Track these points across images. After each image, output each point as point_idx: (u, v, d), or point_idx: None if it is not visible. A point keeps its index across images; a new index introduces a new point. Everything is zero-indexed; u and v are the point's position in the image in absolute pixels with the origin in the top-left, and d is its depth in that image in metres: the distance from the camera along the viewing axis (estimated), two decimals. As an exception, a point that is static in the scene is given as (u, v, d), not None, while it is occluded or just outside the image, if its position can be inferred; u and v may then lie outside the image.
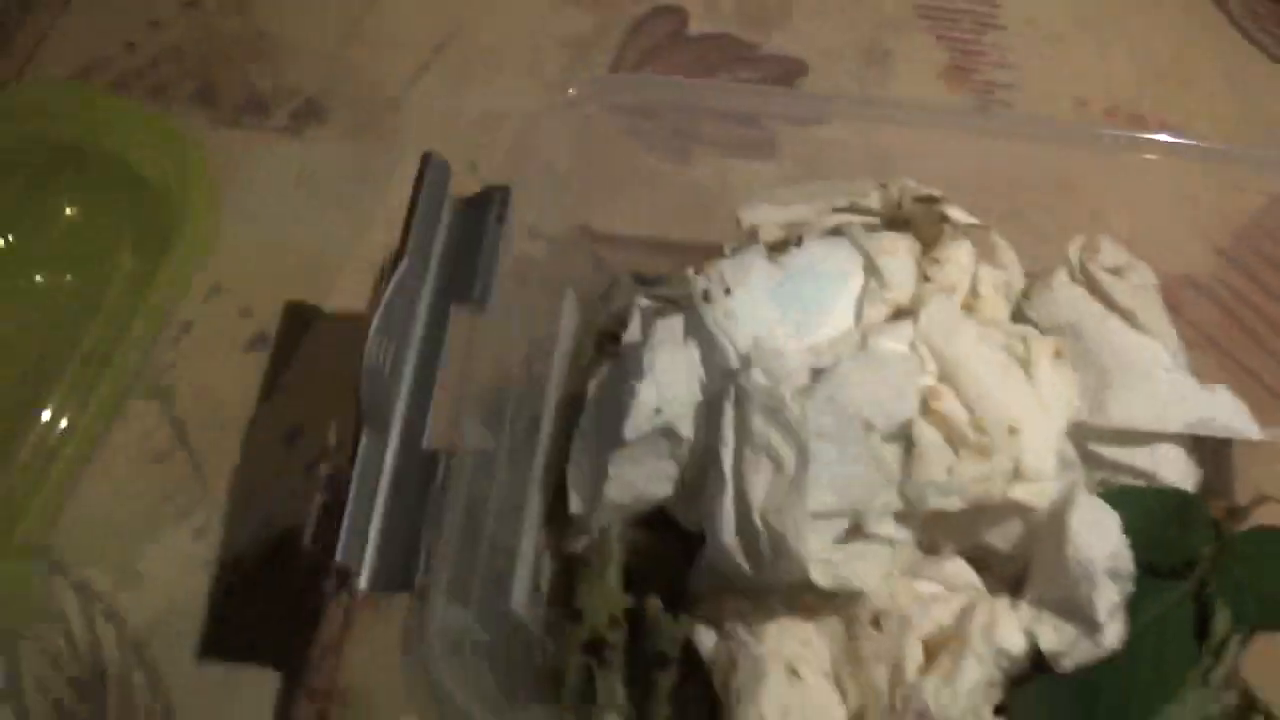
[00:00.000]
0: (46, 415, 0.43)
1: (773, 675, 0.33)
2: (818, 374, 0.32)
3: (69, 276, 0.45)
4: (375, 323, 0.32)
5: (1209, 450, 0.38)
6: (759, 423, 0.31)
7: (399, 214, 0.34)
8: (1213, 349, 0.42)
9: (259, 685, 0.41)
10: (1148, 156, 0.39)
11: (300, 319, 0.47)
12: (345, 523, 0.29)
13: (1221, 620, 0.34)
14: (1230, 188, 0.41)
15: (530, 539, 0.35)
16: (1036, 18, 0.55)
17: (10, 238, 0.46)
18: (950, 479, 0.31)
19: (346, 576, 0.30)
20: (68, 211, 0.46)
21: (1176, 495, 0.35)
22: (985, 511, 0.33)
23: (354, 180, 0.50)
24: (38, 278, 0.45)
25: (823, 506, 0.31)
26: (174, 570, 0.42)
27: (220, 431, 0.45)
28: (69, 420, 0.43)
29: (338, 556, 0.29)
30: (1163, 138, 0.39)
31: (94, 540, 0.43)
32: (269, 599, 0.42)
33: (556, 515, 0.37)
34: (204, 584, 0.42)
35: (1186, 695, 0.33)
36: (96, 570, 0.43)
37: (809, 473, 0.30)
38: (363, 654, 0.41)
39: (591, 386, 0.36)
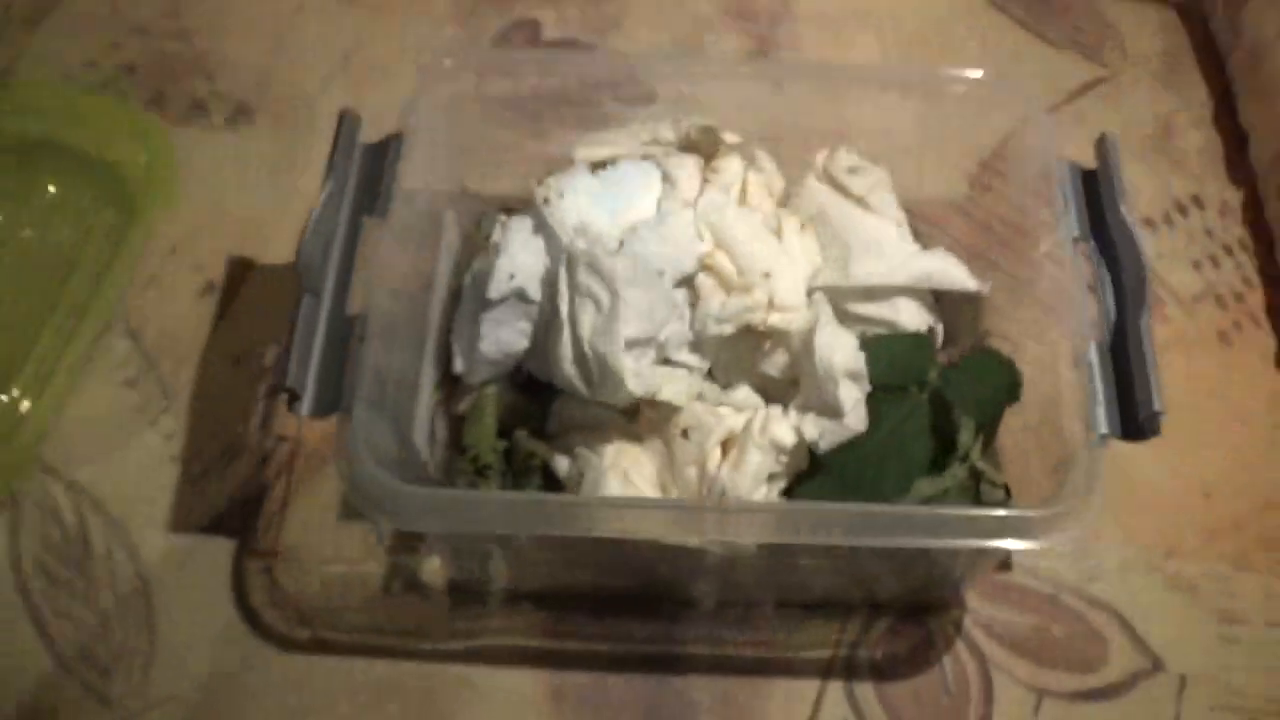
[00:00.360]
0: (39, 350, 0.57)
1: (611, 482, 0.49)
2: (626, 242, 0.48)
3: (54, 239, 0.60)
4: (310, 225, 0.47)
5: (947, 306, 0.54)
6: (583, 275, 0.47)
7: (316, 185, 0.50)
8: (970, 255, 0.58)
9: (217, 552, 0.55)
10: (905, 98, 0.56)
11: (240, 270, 0.62)
12: (292, 358, 0.44)
13: (951, 419, 0.50)
14: (975, 124, 0.58)
15: (426, 394, 0.51)
16: (824, 11, 0.73)
17: (3, 214, 0.61)
18: (723, 309, 0.47)
19: (295, 399, 0.45)
20: (50, 189, 0.62)
21: (911, 335, 0.52)
22: (757, 344, 0.49)
23: (279, 163, 0.66)
24: (27, 236, 0.60)
25: (633, 334, 0.46)
26: (147, 466, 0.57)
27: (180, 360, 0.60)
28: (57, 354, 0.57)
29: (287, 382, 0.44)
30: (917, 78, 0.57)
31: (80, 447, 0.57)
32: (224, 482, 0.57)
33: (446, 382, 0.53)
34: (171, 475, 0.57)
35: (925, 475, 0.50)
36: (83, 471, 0.57)
37: (620, 309, 0.46)
38: (298, 521, 0.56)
39: (467, 278, 0.52)
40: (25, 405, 0.56)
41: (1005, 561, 0.56)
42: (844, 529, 0.44)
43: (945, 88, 0.56)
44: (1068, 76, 0.73)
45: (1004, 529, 0.44)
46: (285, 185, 0.66)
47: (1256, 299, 0.65)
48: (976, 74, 0.56)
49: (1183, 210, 0.68)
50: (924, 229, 0.57)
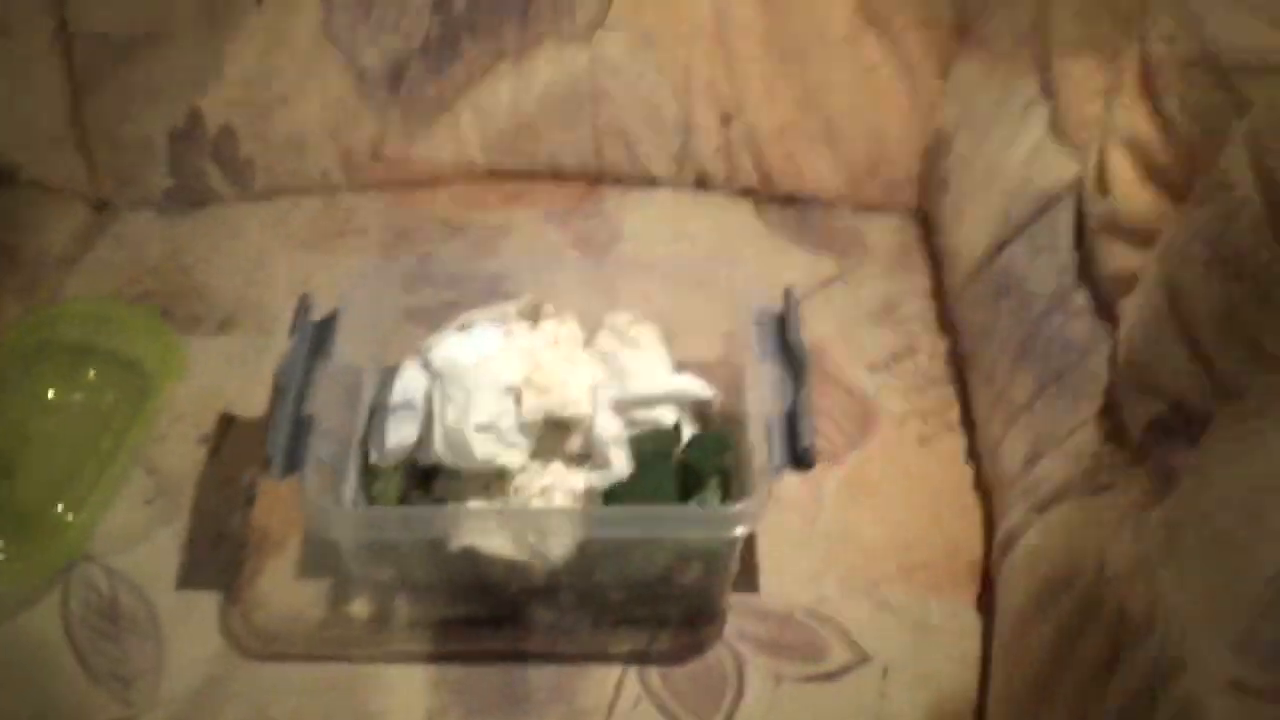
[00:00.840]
0: (81, 480, 0.92)
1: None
2: (476, 365, 0.84)
3: (95, 405, 0.97)
4: (281, 363, 0.84)
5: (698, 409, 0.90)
6: (448, 384, 0.83)
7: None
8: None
9: (210, 603, 0.89)
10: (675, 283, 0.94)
11: (225, 427, 0.98)
12: (271, 440, 0.79)
13: (698, 474, 0.85)
14: (728, 298, 0.95)
15: (353, 476, 0.86)
16: (645, 235, 1.12)
17: (53, 390, 0.98)
18: (535, 404, 0.83)
19: (271, 462, 0.79)
20: (91, 373, 0.99)
21: (665, 430, 0.87)
22: (561, 433, 0.85)
23: (254, 357, 1.03)
24: (76, 400, 0.97)
25: (480, 420, 0.82)
26: (160, 552, 0.90)
27: (184, 485, 0.94)
28: (94, 482, 0.92)
29: (268, 451, 0.79)
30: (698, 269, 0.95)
31: (113, 542, 0.91)
32: (216, 560, 0.90)
33: (365, 472, 0.88)
34: (178, 557, 0.90)
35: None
36: (115, 558, 0.90)
37: (471, 404, 0.82)
38: (267, 578, 0.90)
39: (378, 400, 0.88)
40: (69, 517, 0.91)
41: (753, 584, 0.90)
42: (593, 524, 0.79)
43: (701, 275, 0.94)
44: (821, 271, 1.11)
45: (713, 519, 0.79)
46: (257, 372, 1.02)
47: (953, 414, 1.00)
48: (721, 265, 0.94)
49: (899, 357, 1.04)
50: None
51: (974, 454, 0.97)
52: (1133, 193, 0.81)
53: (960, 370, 1.02)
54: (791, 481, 0.90)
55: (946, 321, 1.06)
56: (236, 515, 0.93)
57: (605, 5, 1.12)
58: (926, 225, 1.14)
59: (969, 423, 0.99)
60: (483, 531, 0.80)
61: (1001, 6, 1.04)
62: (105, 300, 1.07)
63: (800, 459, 0.80)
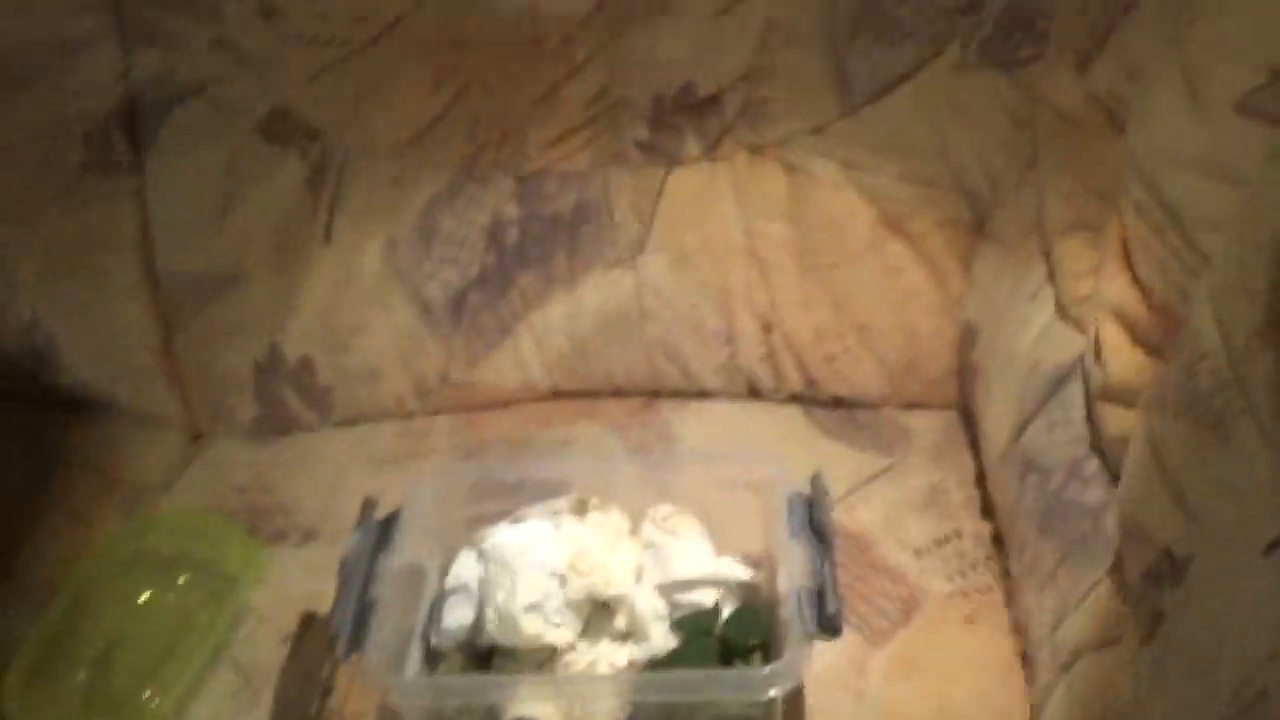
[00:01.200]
0: (168, 671, 1.04)
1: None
2: (523, 551, 0.97)
3: (184, 604, 1.11)
4: (345, 553, 0.97)
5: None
6: (495, 569, 0.95)
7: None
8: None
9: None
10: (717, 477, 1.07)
11: (304, 627, 1.11)
12: (335, 619, 0.92)
13: (737, 647, 0.96)
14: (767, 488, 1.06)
15: (415, 659, 0.98)
16: (697, 439, 1.25)
17: (146, 594, 1.12)
18: (579, 584, 0.95)
19: (336, 640, 0.91)
20: (182, 579, 1.13)
21: (705, 609, 0.98)
22: (607, 613, 0.96)
23: (331, 564, 1.16)
24: (170, 600, 1.11)
25: (528, 601, 0.94)
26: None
27: (266, 679, 1.07)
28: (181, 673, 1.04)
29: (331, 630, 0.91)
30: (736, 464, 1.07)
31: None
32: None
33: (427, 659, 1.00)
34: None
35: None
36: (204, 750, 1.03)
37: (518, 587, 0.94)
38: None
39: (436, 590, 1.01)
40: (154, 703, 1.03)
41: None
42: (636, 689, 0.89)
43: (742, 469, 1.07)
44: (869, 467, 1.22)
45: (748, 682, 0.89)
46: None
47: (997, 592, 1.09)
48: (763, 459, 1.07)
49: (944, 541, 1.14)
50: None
51: (1018, 629, 1.06)
52: (1121, 358, 0.92)
53: (1003, 550, 1.12)
54: (839, 661, 1.02)
55: (988, 505, 1.16)
56: (314, 703, 1.05)
57: (645, 231, 1.29)
58: (969, 419, 1.26)
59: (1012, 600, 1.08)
60: (534, 702, 0.91)
61: (1009, 201, 1.18)
62: (195, 514, 1.23)
63: (827, 625, 0.90)
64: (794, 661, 0.89)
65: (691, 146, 1.26)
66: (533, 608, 0.95)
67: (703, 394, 1.33)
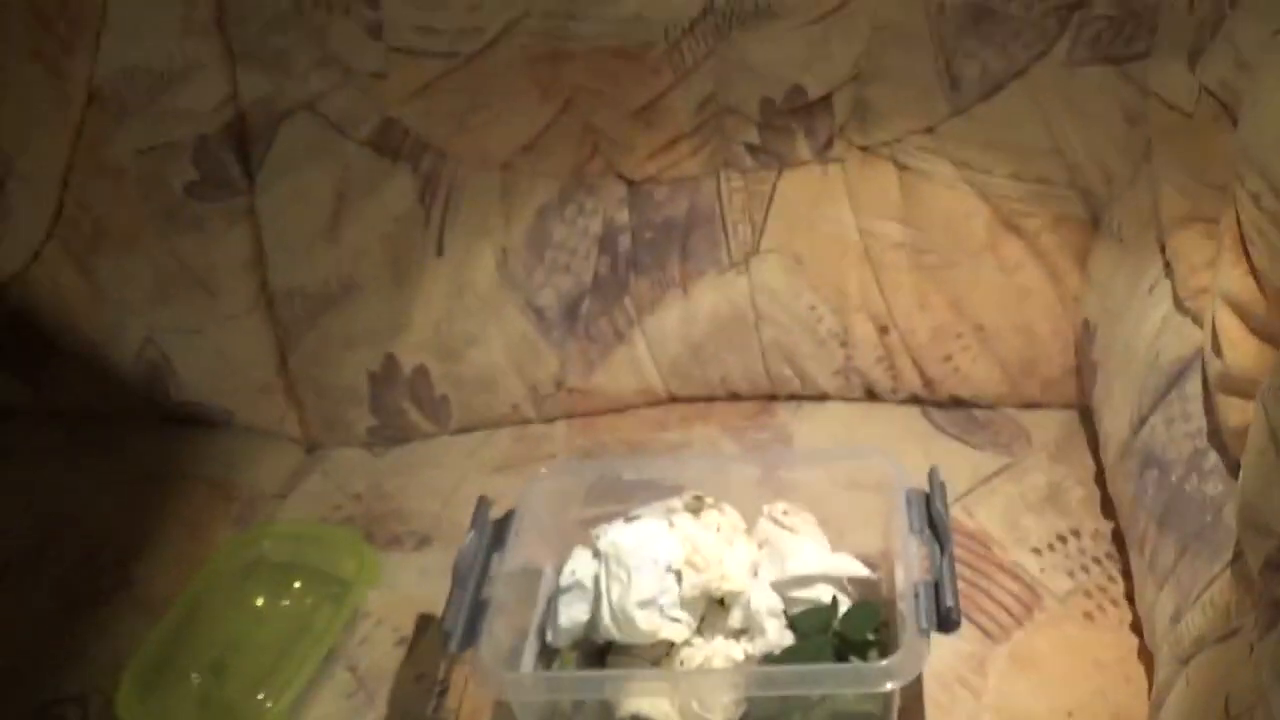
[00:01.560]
0: (283, 674, 1.10)
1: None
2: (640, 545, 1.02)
3: (299, 609, 1.17)
4: (459, 552, 1.03)
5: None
6: (612, 565, 1.00)
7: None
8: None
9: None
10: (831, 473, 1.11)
11: (421, 629, 1.17)
12: (449, 617, 0.98)
13: (853, 643, 1.00)
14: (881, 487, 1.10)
15: (530, 656, 1.04)
16: (813, 440, 1.30)
17: (262, 600, 1.19)
18: (693, 580, 1.00)
19: (449, 638, 0.97)
20: (296, 584, 1.20)
21: (822, 605, 1.02)
22: (722, 610, 1.01)
23: (446, 568, 1.22)
24: (285, 605, 1.18)
25: (643, 597, 0.99)
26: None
27: (381, 682, 1.13)
28: (294, 676, 1.09)
29: (444, 627, 0.97)
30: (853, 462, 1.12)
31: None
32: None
33: (543, 654, 1.05)
34: (377, 751, 1.09)
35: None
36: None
37: (633, 582, 0.99)
38: None
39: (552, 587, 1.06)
40: (269, 705, 1.09)
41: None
42: (751, 682, 0.94)
43: (861, 468, 1.11)
44: (988, 466, 1.26)
45: (864, 674, 0.93)
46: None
47: (1117, 589, 1.12)
48: (877, 457, 1.11)
49: (1063, 539, 1.17)
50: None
51: (1138, 626, 1.09)
52: (1239, 348, 0.94)
53: (1123, 547, 1.15)
54: (958, 658, 1.06)
55: (1108, 503, 1.19)
56: (430, 703, 1.11)
57: (758, 234, 1.34)
58: (1087, 418, 1.28)
59: (1134, 597, 1.11)
60: (650, 698, 0.96)
61: (1125, 196, 1.21)
62: (310, 522, 1.31)
63: (945, 620, 0.94)
64: (911, 656, 0.92)
65: (802, 149, 1.31)
66: (648, 603, 1.00)
67: (820, 396, 1.38)
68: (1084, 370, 1.26)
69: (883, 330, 1.33)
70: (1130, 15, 1.18)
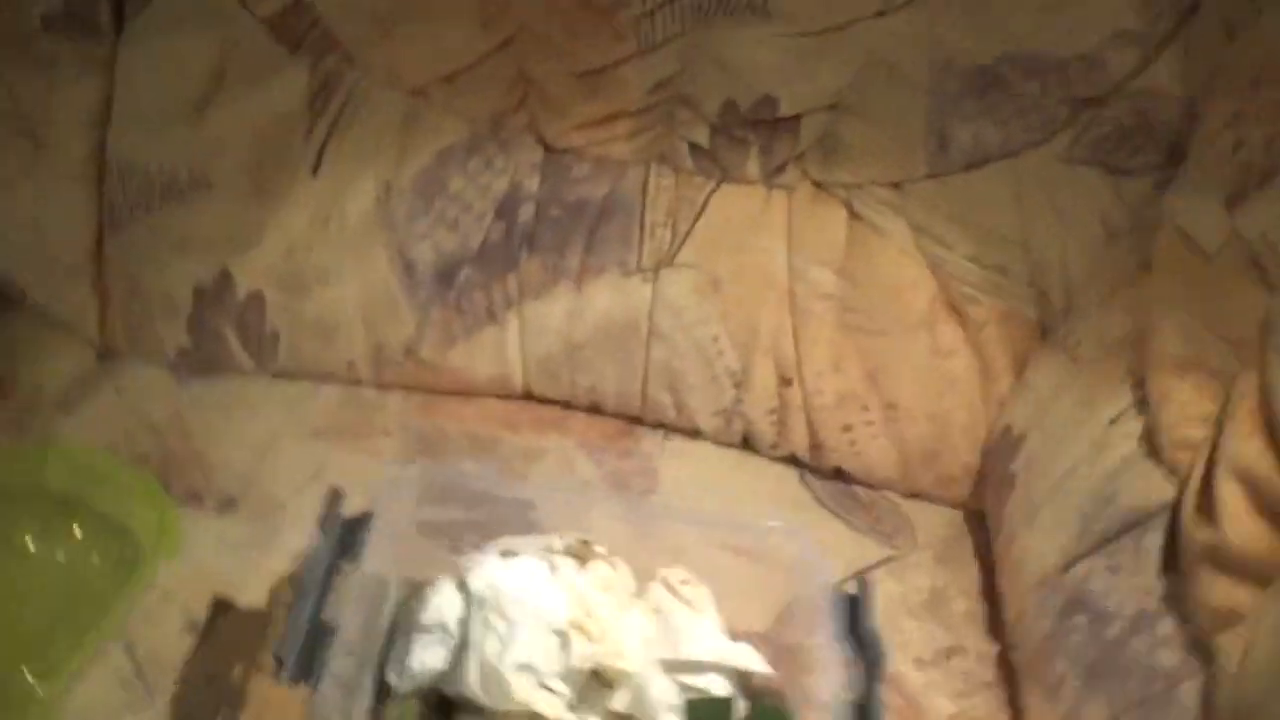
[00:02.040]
0: (54, 650, 0.85)
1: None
2: (521, 595, 0.80)
3: (78, 568, 0.91)
4: (306, 558, 0.79)
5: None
6: (490, 612, 0.78)
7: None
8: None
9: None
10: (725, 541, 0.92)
11: (215, 616, 0.92)
12: (286, 636, 0.74)
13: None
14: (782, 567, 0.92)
15: (367, 692, 0.81)
16: (678, 484, 1.11)
17: (33, 541, 0.92)
18: (584, 651, 0.79)
19: (281, 664, 0.73)
20: (77, 533, 0.94)
21: (718, 699, 0.83)
22: (607, 686, 0.80)
23: (254, 545, 0.98)
24: (60, 560, 0.91)
25: (521, 659, 0.78)
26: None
27: (162, 673, 0.88)
28: (67, 654, 0.84)
29: (276, 651, 0.74)
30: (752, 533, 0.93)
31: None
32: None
33: (380, 694, 0.82)
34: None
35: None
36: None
37: (514, 639, 0.78)
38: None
39: (406, 618, 0.83)
40: (39, 690, 0.84)
41: None
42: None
43: (752, 538, 0.92)
44: (865, 554, 1.09)
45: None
46: (257, 562, 0.97)
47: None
48: (778, 525, 0.92)
49: (946, 655, 1.02)
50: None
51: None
52: (1244, 526, 0.81)
53: (1010, 676, 1.00)
54: None
55: (995, 623, 1.04)
56: (220, 716, 0.87)
57: (678, 243, 1.14)
58: (974, 522, 1.14)
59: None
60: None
61: (1089, 314, 1.06)
62: (101, 453, 1.03)
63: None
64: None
65: (752, 165, 1.12)
66: (526, 668, 0.79)
67: (691, 432, 1.18)
68: (992, 478, 1.10)
69: (785, 381, 1.14)
70: (1145, 128, 1.02)
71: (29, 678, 0.83)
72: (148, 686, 0.87)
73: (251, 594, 0.94)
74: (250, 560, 0.97)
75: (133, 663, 0.89)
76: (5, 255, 1.15)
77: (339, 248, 1.14)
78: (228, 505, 1.03)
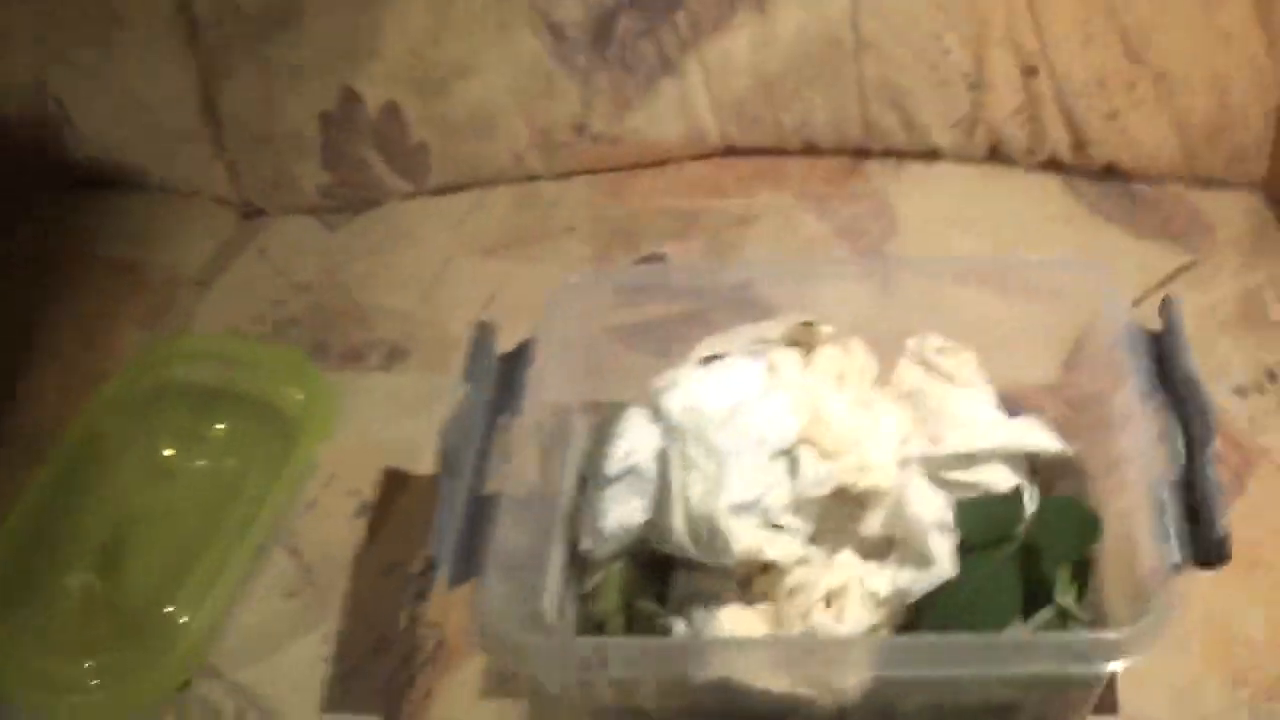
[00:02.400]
0: (200, 570, 0.70)
1: (727, 642, 0.59)
2: (729, 418, 0.60)
3: (222, 470, 0.76)
4: (448, 423, 0.61)
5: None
6: (690, 447, 0.59)
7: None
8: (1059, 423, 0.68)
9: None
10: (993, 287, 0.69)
11: (391, 493, 0.76)
12: (436, 530, 0.57)
13: (1041, 566, 0.59)
14: (1059, 309, 0.69)
15: (556, 571, 0.63)
16: (927, 224, 0.89)
17: (172, 449, 0.78)
18: (819, 473, 0.58)
19: (436, 566, 0.57)
20: (219, 426, 0.79)
21: (1001, 496, 0.61)
22: (854, 508, 0.60)
23: (429, 398, 0.80)
24: (200, 466, 0.77)
25: (738, 498, 0.58)
26: (303, 665, 0.69)
27: (336, 573, 0.73)
28: (216, 572, 0.70)
29: (430, 551, 0.56)
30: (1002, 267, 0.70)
31: (242, 652, 0.70)
32: (373, 676, 0.68)
33: (574, 561, 0.64)
34: (325, 673, 0.68)
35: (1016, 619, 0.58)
36: (244, 672, 0.69)
37: (725, 475, 0.58)
38: (442, 702, 0.66)
39: (591, 465, 0.64)
40: (183, 619, 0.69)
41: (1109, 702, 0.63)
42: (905, 660, 0.53)
43: (1027, 276, 0.69)
44: (1158, 265, 0.85)
45: (1089, 652, 0.53)
46: (434, 416, 0.79)
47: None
48: (1055, 261, 0.68)
49: (1273, 377, 0.77)
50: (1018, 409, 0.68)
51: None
52: None
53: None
54: None
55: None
56: (404, 614, 0.71)
57: (874, -72, 0.89)
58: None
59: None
60: (745, 659, 0.56)
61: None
62: (238, 337, 0.87)
63: (1209, 551, 0.54)
64: (1160, 614, 0.52)
65: None
66: (746, 508, 0.58)
67: (928, 154, 0.96)
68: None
69: (1029, 71, 0.90)
70: None
71: (172, 611, 0.69)
72: (318, 592, 0.72)
73: (429, 460, 0.77)
74: (425, 421, 0.78)
75: (298, 566, 0.74)
76: (114, 138, 1.00)
77: (470, 31, 0.95)
78: (394, 357, 0.86)
